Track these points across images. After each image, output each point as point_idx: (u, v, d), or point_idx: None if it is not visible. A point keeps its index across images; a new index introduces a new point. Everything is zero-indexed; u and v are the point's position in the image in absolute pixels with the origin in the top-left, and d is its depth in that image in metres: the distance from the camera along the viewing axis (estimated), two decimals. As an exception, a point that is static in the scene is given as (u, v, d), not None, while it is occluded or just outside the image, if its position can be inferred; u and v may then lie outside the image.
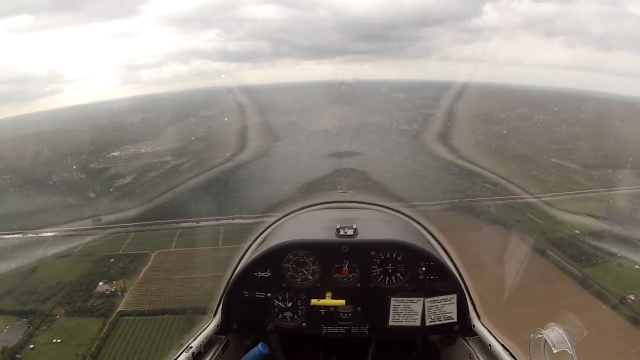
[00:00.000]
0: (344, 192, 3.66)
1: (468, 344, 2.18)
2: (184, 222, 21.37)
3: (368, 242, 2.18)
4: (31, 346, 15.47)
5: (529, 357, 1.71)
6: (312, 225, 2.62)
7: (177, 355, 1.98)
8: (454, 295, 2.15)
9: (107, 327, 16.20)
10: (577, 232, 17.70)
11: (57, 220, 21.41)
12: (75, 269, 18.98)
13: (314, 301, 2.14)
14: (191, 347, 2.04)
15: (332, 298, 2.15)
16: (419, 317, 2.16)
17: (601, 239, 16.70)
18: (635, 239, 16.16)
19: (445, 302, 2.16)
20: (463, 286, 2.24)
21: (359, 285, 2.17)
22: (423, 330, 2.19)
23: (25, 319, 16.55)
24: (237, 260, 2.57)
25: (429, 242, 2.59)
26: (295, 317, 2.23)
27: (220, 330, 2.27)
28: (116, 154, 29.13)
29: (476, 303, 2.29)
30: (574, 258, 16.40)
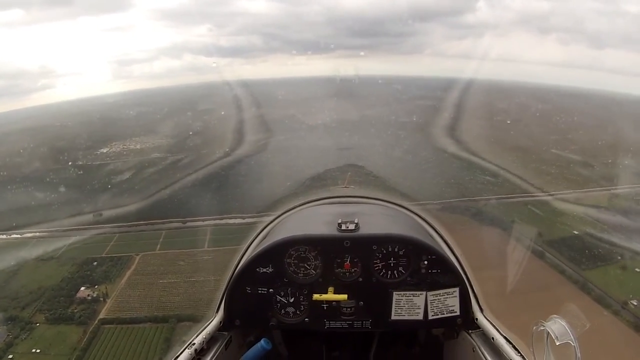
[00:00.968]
0: (345, 187, 3.65)
1: (471, 337, 2.18)
2: (170, 222, 20.85)
3: (370, 237, 2.18)
4: (10, 356, 15.00)
5: (531, 350, 1.71)
6: (313, 220, 2.61)
7: (179, 352, 1.98)
8: (457, 289, 2.16)
9: (87, 336, 15.68)
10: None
11: (44, 219, 20.88)
12: (58, 273, 18.46)
13: (316, 296, 2.14)
14: (194, 344, 2.03)
15: (335, 293, 2.15)
16: (421, 311, 2.16)
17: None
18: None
19: (448, 296, 2.16)
20: (465, 279, 2.24)
21: (361, 279, 2.17)
22: (426, 324, 2.19)
23: (5, 327, 16.11)
24: (239, 257, 2.57)
25: (430, 236, 2.59)
26: (298, 312, 2.23)
27: (222, 326, 2.26)
28: (104, 150, 28.83)
29: (479, 296, 2.29)
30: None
